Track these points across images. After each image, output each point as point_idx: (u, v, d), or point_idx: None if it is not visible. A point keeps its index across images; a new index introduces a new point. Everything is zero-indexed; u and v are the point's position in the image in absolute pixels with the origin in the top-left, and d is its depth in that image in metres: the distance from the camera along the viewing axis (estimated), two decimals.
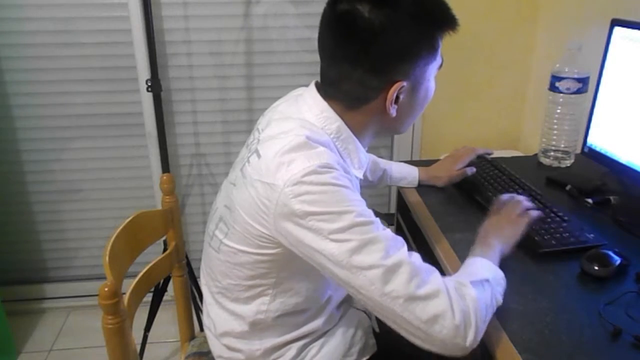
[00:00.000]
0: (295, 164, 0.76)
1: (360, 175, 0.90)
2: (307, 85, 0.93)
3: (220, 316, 0.96)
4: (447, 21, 0.81)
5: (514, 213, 0.99)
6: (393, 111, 0.84)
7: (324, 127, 0.85)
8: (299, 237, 0.76)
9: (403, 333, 0.75)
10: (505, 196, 1.05)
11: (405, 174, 1.28)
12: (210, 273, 0.96)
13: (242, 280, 0.89)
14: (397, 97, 0.83)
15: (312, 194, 0.75)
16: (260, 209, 0.79)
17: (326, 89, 0.87)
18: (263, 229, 0.80)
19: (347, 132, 0.86)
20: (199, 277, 1.82)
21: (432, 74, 0.86)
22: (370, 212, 0.78)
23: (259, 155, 0.82)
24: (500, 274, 0.84)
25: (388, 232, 0.77)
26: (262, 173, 0.79)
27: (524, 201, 1.03)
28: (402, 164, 1.30)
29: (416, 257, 0.78)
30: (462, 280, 0.79)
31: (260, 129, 0.92)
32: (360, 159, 0.90)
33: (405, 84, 0.81)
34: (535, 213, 1.00)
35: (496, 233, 0.94)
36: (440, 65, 0.87)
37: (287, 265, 0.85)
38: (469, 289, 0.77)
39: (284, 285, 0.89)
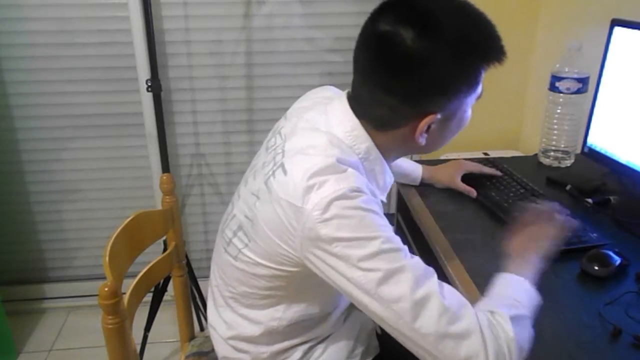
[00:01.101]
0: (324, 187, 0.73)
1: (384, 199, 0.87)
2: (315, 86, 0.91)
3: (232, 319, 0.95)
4: (494, 54, 0.77)
5: (550, 224, 0.92)
6: (422, 140, 0.81)
7: (352, 146, 0.81)
8: (326, 263, 0.74)
9: None
10: (532, 205, 0.98)
11: (409, 171, 1.27)
12: (223, 277, 0.95)
13: (258, 289, 0.88)
14: (429, 127, 0.79)
15: (340, 219, 0.72)
16: (288, 229, 0.76)
17: (356, 106, 0.83)
18: (290, 249, 0.78)
19: (376, 153, 0.83)
20: (199, 277, 1.83)
21: (469, 105, 0.82)
22: (398, 239, 0.75)
23: (285, 171, 0.78)
24: (537, 300, 0.80)
25: (417, 261, 0.74)
26: (289, 193, 0.75)
27: (556, 210, 0.96)
28: (406, 159, 1.27)
29: (449, 289, 0.74)
30: (501, 313, 0.74)
31: (283, 133, 0.88)
32: (385, 181, 0.88)
33: (438, 116, 0.78)
34: (569, 221, 0.93)
35: (533, 246, 0.87)
36: (480, 95, 0.83)
37: (304, 280, 0.84)
38: (506, 328, 0.72)
39: (300, 296, 0.88)
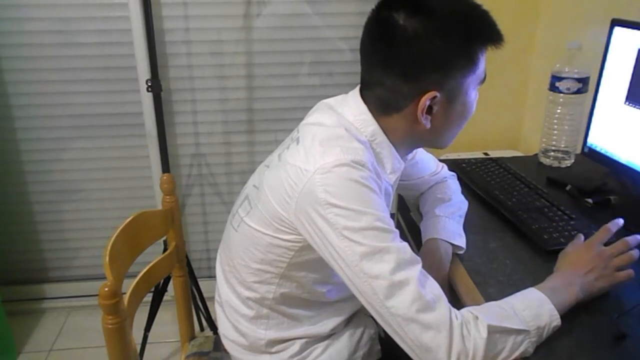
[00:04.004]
0: (330, 153, 0.78)
1: (393, 180, 0.91)
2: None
3: (228, 295, 0.98)
4: (488, 33, 0.80)
5: (612, 264, 0.86)
6: (426, 122, 0.83)
7: (360, 128, 0.85)
8: (316, 226, 0.77)
9: (398, 343, 0.75)
10: (622, 242, 0.89)
11: (423, 228, 1.06)
12: (226, 251, 0.98)
13: (251, 261, 0.90)
14: (431, 108, 0.82)
15: (339, 186, 0.75)
16: (286, 191, 0.80)
17: (363, 92, 0.88)
18: (283, 212, 0.81)
19: (381, 136, 0.87)
20: (199, 277, 1.83)
21: (470, 88, 0.84)
22: (391, 222, 0.78)
23: (297, 142, 0.85)
24: (553, 323, 0.76)
25: (405, 246, 0.76)
26: (297, 157, 0.81)
27: (628, 259, 0.87)
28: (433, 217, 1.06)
29: (431, 282, 0.76)
30: (482, 317, 0.73)
31: (303, 120, 0.95)
32: (394, 165, 0.90)
33: (438, 94, 0.80)
34: (629, 273, 0.86)
35: (581, 281, 0.83)
36: (483, 81, 0.85)
37: (297, 256, 0.86)
38: (480, 329, 0.72)
39: (290, 276, 0.89)
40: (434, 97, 0.80)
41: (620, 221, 0.93)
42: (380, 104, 0.85)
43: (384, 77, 0.81)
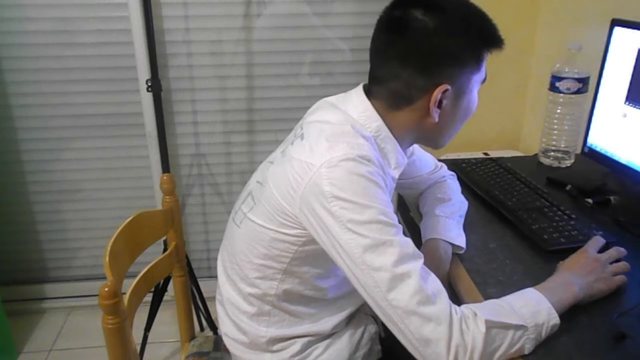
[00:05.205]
0: (337, 148, 0.79)
1: (397, 174, 0.92)
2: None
3: (229, 293, 0.98)
4: (492, 37, 0.85)
5: (609, 269, 0.89)
6: (435, 115, 0.85)
7: (364, 124, 0.87)
8: (321, 218, 0.78)
9: (398, 337, 0.76)
10: (615, 250, 0.93)
11: (423, 228, 1.07)
12: (228, 248, 0.98)
13: (254, 257, 0.90)
14: (440, 102, 0.84)
15: (344, 179, 0.76)
16: (291, 185, 0.81)
17: (372, 88, 0.89)
18: (288, 206, 0.82)
19: (386, 132, 0.88)
20: (199, 277, 1.83)
21: (475, 86, 0.88)
22: (395, 217, 0.79)
23: (302, 137, 0.86)
24: (551, 322, 0.77)
25: (407, 241, 0.77)
26: (302, 152, 0.82)
27: (623, 267, 0.90)
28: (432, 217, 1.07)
29: (433, 278, 0.77)
30: (480, 313, 0.74)
31: (300, 122, 0.95)
32: (398, 160, 0.91)
33: (449, 88, 0.83)
34: (623, 278, 0.89)
35: (579, 283, 0.84)
36: (484, 80, 0.89)
37: (300, 251, 0.87)
38: (479, 324, 0.73)
39: (293, 271, 0.90)
40: (446, 91, 0.83)
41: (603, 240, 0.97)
42: (393, 98, 0.86)
43: (399, 70, 0.83)
